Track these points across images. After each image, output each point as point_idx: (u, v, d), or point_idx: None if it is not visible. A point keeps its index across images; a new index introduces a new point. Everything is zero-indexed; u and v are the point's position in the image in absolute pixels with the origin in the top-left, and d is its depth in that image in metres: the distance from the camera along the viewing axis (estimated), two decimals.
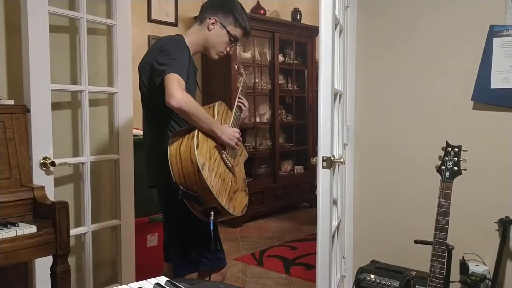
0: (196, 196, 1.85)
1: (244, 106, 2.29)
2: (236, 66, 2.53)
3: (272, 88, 5.35)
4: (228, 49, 2.20)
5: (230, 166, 2.04)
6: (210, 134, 1.95)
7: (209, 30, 2.13)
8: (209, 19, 2.13)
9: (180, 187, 1.85)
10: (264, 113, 5.48)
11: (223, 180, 1.96)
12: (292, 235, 4.57)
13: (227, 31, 2.14)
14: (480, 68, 2.30)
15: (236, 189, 2.06)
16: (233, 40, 2.18)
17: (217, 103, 2.13)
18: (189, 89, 2.03)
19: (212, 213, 1.89)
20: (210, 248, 2.01)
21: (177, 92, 1.81)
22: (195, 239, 2.06)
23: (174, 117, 2.05)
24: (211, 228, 1.91)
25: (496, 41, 2.25)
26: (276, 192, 5.34)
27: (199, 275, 2.12)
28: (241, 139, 2.11)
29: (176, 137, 1.93)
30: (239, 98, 2.26)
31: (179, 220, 2.06)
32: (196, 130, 1.90)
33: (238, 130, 2.11)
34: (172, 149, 1.88)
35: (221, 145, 2.01)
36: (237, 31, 2.17)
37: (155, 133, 2.08)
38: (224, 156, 2.01)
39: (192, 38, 2.14)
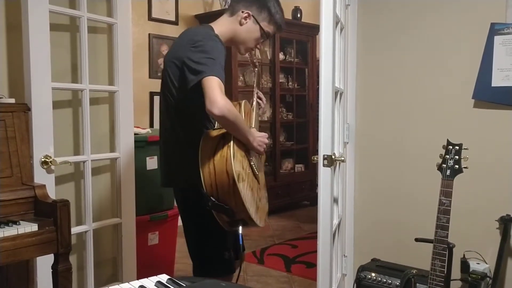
0: (227, 209, 1.71)
1: (262, 101, 2.16)
2: (249, 55, 2.24)
3: (272, 86, 5.35)
4: (258, 45, 2.05)
5: (257, 173, 1.93)
6: (243, 142, 1.82)
7: (240, 24, 1.97)
8: (242, 12, 1.96)
9: (211, 198, 1.71)
10: (265, 112, 5.49)
11: (252, 190, 1.84)
12: (293, 234, 4.58)
13: (260, 27, 1.98)
14: (481, 66, 2.30)
15: (260, 197, 1.95)
16: (265, 36, 2.02)
17: (243, 102, 1.98)
18: None
19: (240, 225, 1.78)
20: (224, 255, 1.95)
21: (220, 99, 1.66)
22: (212, 245, 1.97)
23: (205, 121, 1.92)
24: (240, 242, 1.80)
25: (497, 39, 2.25)
26: (277, 190, 5.35)
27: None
28: (268, 143, 1.98)
29: (208, 143, 1.77)
30: (258, 95, 2.12)
31: (198, 225, 1.97)
32: (232, 139, 1.75)
33: (266, 134, 1.98)
34: (204, 158, 1.73)
35: (248, 151, 1.88)
36: (270, 28, 2.01)
37: (179, 134, 1.94)
38: (252, 163, 1.89)
39: (221, 30, 1.94)
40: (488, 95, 2.29)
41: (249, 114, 2.02)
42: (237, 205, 1.72)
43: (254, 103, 2.11)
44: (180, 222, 2.21)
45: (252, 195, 1.82)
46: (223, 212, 1.74)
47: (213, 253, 2.00)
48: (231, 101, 1.76)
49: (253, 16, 1.97)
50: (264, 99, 2.19)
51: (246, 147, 1.86)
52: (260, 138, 1.92)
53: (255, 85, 2.15)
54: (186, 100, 1.88)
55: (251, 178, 1.87)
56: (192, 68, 1.76)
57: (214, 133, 1.83)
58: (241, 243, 1.82)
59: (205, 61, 1.74)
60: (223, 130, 1.80)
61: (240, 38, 2.00)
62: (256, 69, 2.22)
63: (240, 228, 1.79)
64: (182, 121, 1.94)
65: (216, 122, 1.88)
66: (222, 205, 1.72)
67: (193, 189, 1.83)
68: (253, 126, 1.99)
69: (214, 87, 1.68)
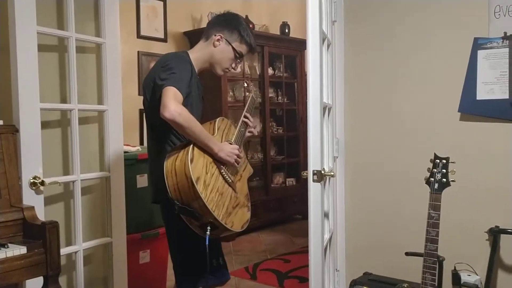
0: (192, 211, 1.84)
1: (250, 122, 2.30)
2: (246, 83, 2.59)
3: (262, 101, 5.37)
4: (233, 65, 2.23)
5: (230, 181, 2.04)
6: (205, 149, 1.95)
7: (214, 46, 2.16)
8: (215, 35, 2.16)
9: (176, 202, 1.85)
10: (255, 126, 5.50)
11: (221, 194, 1.95)
12: (285, 248, 4.57)
13: (233, 47, 2.17)
14: (466, 80, 2.34)
15: (236, 204, 2.05)
16: (238, 56, 2.21)
17: (218, 119, 2.15)
18: (193, 106, 2.06)
19: (208, 228, 1.87)
20: (211, 263, 2.01)
21: (171, 104, 1.82)
22: (195, 254, 2.04)
23: (175, 132, 2.04)
24: (207, 243, 1.89)
25: (481, 53, 2.29)
26: (269, 204, 5.34)
27: None
28: (241, 155, 2.11)
29: (173, 152, 1.94)
30: (244, 115, 2.27)
31: (180, 235, 2.06)
32: (192, 145, 1.90)
33: (237, 146, 2.11)
34: (168, 164, 1.89)
35: (217, 161, 2.00)
36: (242, 48, 2.20)
37: (156, 149, 2.09)
38: (223, 171, 2.01)
39: (198, 54, 2.17)
40: (474, 108, 2.33)
41: (226, 129, 2.16)
42: (200, 207, 1.83)
43: (240, 121, 2.25)
44: None
45: (220, 199, 1.93)
46: (190, 215, 1.86)
47: (200, 262, 2.03)
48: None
49: (225, 38, 2.16)
50: (252, 120, 2.31)
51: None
52: (229, 150, 2.04)
53: (245, 109, 2.30)
54: (158, 116, 1.97)
55: (221, 184, 1.98)
56: (158, 85, 1.96)
57: (180, 144, 2.00)
58: (207, 243, 1.90)
59: (167, 76, 1.94)
60: (188, 141, 1.94)
61: (216, 59, 2.18)
62: (251, 94, 2.37)
63: (207, 237, 1.88)
64: (157, 138, 2.09)
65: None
66: (186, 208, 1.84)
67: (167, 200, 1.92)
68: (231, 140, 2.12)
69: (168, 94, 1.86)
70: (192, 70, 2.06)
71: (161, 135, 2.07)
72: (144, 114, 2.26)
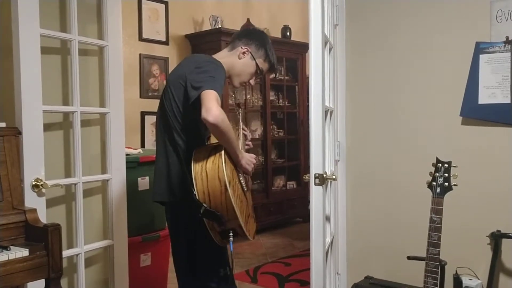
0: (219, 216, 1.79)
1: (248, 134, 2.30)
2: (234, 100, 2.57)
3: (263, 104, 5.38)
4: (251, 81, 2.22)
5: (245, 190, 2.03)
6: (232, 156, 1.93)
7: (239, 58, 2.15)
8: (242, 47, 2.15)
9: (204, 204, 1.79)
10: (256, 129, 5.51)
11: (241, 202, 1.93)
12: (286, 251, 4.56)
13: (256, 63, 2.16)
14: (467, 84, 2.34)
15: (248, 213, 2.03)
16: (259, 73, 2.21)
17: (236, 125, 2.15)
18: None
19: (231, 234, 1.84)
20: (220, 272, 1.98)
21: (215, 108, 1.77)
22: (204, 261, 2.01)
23: (201, 136, 2.03)
24: (231, 250, 1.86)
25: (483, 57, 2.30)
26: (269, 207, 5.34)
27: None
28: (256, 164, 2.10)
29: (201, 154, 1.88)
30: (243, 128, 2.27)
31: (189, 241, 2.02)
32: (223, 149, 1.86)
33: (255, 156, 2.10)
34: (197, 166, 1.83)
35: (236, 167, 1.99)
36: (264, 66, 2.20)
37: (178, 149, 2.02)
38: (241, 179, 2.01)
39: (220, 61, 2.09)
40: (476, 113, 2.33)
41: (238, 137, 2.13)
42: (228, 212, 1.79)
43: (240, 134, 2.23)
44: None
45: (241, 206, 1.90)
46: (214, 219, 1.81)
47: (207, 270, 2.01)
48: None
49: (251, 53, 2.15)
50: (248, 133, 2.32)
51: (234, 163, 1.97)
52: (249, 158, 2.03)
53: (240, 121, 2.28)
54: (184, 117, 1.97)
55: (240, 191, 1.96)
56: (194, 86, 1.88)
57: (207, 147, 1.95)
58: (231, 250, 1.87)
59: (205, 79, 1.87)
60: (215, 143, 1.92)
61: (236, 70, 2.16)
62: (241, 109, 2.41)
63: (231, 242, 1.85)
64: (179, 137, 2.02)
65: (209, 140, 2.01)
66: (214, 211, 1.78)
67: (186, 203, 1.89)
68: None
69: (211, 98, 1.79)
70: (225, 74, 2.03)
71: (185, 137, 2.00)
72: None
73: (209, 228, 1.85)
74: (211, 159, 1.83)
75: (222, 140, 1.86)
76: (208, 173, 1.80)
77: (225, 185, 1.76)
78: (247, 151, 2.16)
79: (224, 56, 2.15)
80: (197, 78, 1.89)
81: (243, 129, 2.27)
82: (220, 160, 1.81)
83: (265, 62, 2.19)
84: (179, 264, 2.11)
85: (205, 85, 1.83)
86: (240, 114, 2.38)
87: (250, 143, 2.33)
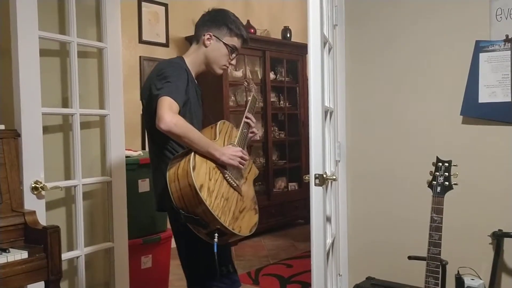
0: (197, 219, 1.81)
1: (252, 122, 2.23)
2: (246, 82, 2.47)
3: (264, 105, 5.37)
4: (230, 61, 2.19)
5: (235, 185, 2.00)
6: (206, 156, 1.91)
7: (206, 46, 2.13)
8: (204, 35, 2.13)
9: (181, 211, 1.82)
10: (257, 131, 5.50)
11: (227, 200, 1.91)
12: (288, 253, 4.55)
13: (224, 43, 2.13)
14: (467, 83, 2.33)
15: (243, 208, 2.02)
16: (232, 50, 2.16)
17: (219, 122, 2.11)
18: (192, 112, 2.04)
19: (216, 235, 1.84)
20: (221, 271, 1.99)
21: (166, 115, 1.80)
22: (205, 262, 2.01)
23: (176, 142, 2.01)
24: (215, 250, 1.85)
25: (482, 56, 2.29)
26: (271, 209, 5.33)
27: None
28: (245, 157, 2.05)
29: (174, 161, 1.90)
30: (246, 115, 2.21)
31: (189, 243, 2.03)
32: (192, 153, 1.87)
33: (240, 149, 2.05)
34: (170, 174, 1.85)
35: (220, 166, 1.97)
36: (234, 41, 2.16)
37: (157, 157, 2.07)
38: (227, 175, 1.97)
39: (192, 58, 2.15)
40: (476, 112, 2.32)
41: (228, 132, 2.12)
42: (206, 214, 1.80)
43: (242, 123, 2.19)
44: (173, 244, 2.22)
45: (226, 205, 1.90)
46: (195, 223, 1.83)
47: (209, 269, 2.01)
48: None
49: (215, 36, 2.13)
50: (253, 119, 2.23)
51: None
52: (230, 152, 1.99)
53: (246, 109, 2.23)
54: (155, 126, 1.95)
55: (225, 189, 1.95)
56: (153, 95, 1.93)
57: (181, 152, 1.96)
58: (215, 250, 1.87)
59: (162, 86, 1.91)
60: (189, 149, 1.91)
61: (210, 58, 2.15)
62: (252, 93, 2.33)
63: (215, 244, 1.85)
64: (158, 146, 2.07)
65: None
66: (192, 216, 1.81)
67: (173, 210, 1.90)
68: (234, 143, 2.08)
69: (162, 105, 1.84)
70: (188, 76, 2.03)
71: (161, 141, 2.04)
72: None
73: (195, 232, 1.87)
74: (181, 165, 1.85)
75: (186, 144, 1.88)
76: (180, 179, 1.82)
77: (195, 190, 1.78)
78: (249, 146, 2.13)
79: (193, 51, 2.16)
80: (157, 86, 1.93)
81: (246, 117, 2.20)
82: (188, 165, 1.82)
83: (232, 38, 2.15)
84: (183, 263, 2.12)
85: (161, 92, 1.88)
86: (250, 99, 2.29)
87: (255, 130, 2.26)
